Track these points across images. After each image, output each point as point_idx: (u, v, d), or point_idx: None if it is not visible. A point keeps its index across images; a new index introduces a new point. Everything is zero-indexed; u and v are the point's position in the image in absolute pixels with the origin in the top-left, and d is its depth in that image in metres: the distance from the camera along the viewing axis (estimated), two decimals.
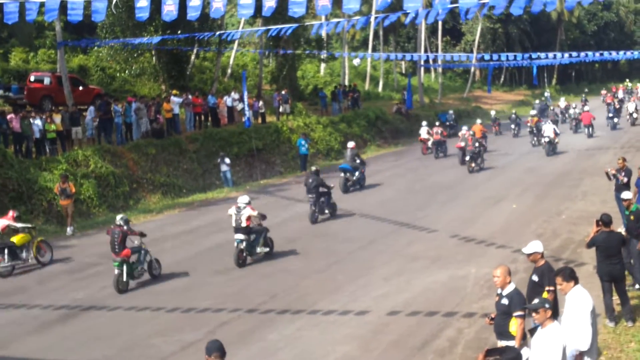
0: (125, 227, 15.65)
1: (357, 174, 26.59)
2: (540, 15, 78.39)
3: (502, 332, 8.78)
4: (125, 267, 15.45)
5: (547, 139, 33.11)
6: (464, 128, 34.08)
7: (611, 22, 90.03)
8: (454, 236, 18.40)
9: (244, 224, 16.94)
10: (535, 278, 9.60)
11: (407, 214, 21.66)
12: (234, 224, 17.08)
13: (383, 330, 12.13)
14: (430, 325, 12.16)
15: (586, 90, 75.61)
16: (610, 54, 42.13)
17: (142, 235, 16.19)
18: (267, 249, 17.71)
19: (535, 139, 36.78)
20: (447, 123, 42.66)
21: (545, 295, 8.98)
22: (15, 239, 17.58)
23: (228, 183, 29.03)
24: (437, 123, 38.75)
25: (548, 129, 33.71)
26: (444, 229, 19.33)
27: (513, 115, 44.07)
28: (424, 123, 38.32)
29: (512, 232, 18.39)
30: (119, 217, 16.15)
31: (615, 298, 11.80)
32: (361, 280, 15.11)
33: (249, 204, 17.25)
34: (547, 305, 7.61)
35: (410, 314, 12.74)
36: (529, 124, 38.04)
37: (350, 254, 17.41)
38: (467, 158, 29.61)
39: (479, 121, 38.00)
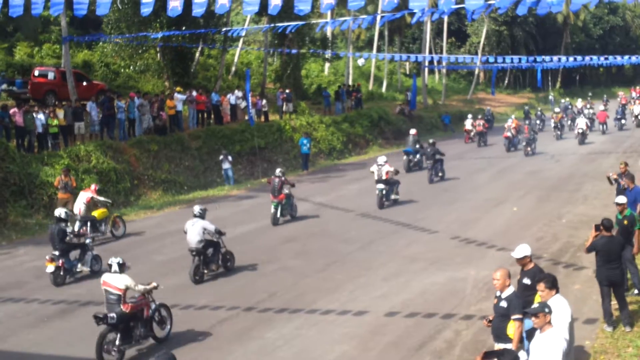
0: (283, 178, 21.27)
1: (417, 156, 31.85)
2: (546, 18, 78.38)
3: (500, 335, 8.78)
4: (279, 207, 21.02)
5: (580, 131, 38.50)
6: (510, 120, 39.64)
7: (617, 27, 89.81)
8: (454, 238, 18.40)
9: (384, 177, 22.82)
10: (527, 281, 9.58)
11: (407, 214, 21.67)
12: (376, 177, 22.97)
13: (381, 330, 12.13)
14: (428, 327, 12.15)
15: (590, 94, 75.43)
16: (615, 58, 42.15)
17: (292, 185, 21.71)
18: (398, 197, 23.68)
19: (559, 132, 42.22)
20: (486, 118, 47.04)
21: (537, 297, 8.99)
22: (96, 214, 19.73)
23: (229, 181, 29.04)
24: (479, 116, 44.13)
25: (581, 122, 39.14)
26: (443, 230, 19.33)
27: (538, 112, 49.73)
28: (469, 115, 44.42)
29: (513, 235, 18.34)
30: (277, 170, 21.97)
31: (614, 303, 11.79)
32: (360, 281, 15.11)
33: (386, 162, 23.25)
34: (546, 310, 7.61)
35: (408, 315, 12.74)
36: (553, 120, 43.03)
37: (349, 254, 17.41)
38: (524, 143, 35.37)
39: (513, 116, 42.96)
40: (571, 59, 43.42)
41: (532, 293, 9.21)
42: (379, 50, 62.55)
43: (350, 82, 50.97)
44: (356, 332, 12.07)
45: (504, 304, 8.73)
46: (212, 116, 33.84)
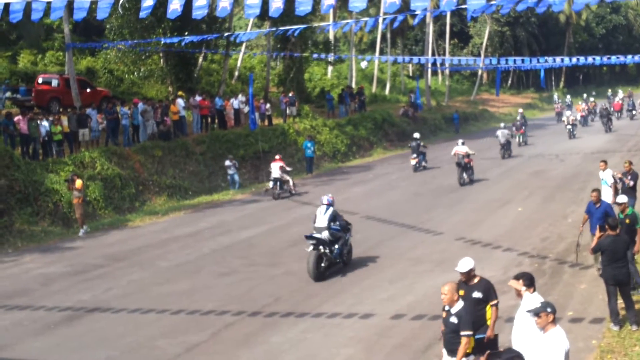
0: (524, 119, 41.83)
1: (523, 127, 42.51)
2: (549, 18, 78.34)
3: (453, 350, 8.57)
4: (520, 137, 39.14)
5: None
6: (583, 104, 55.80)
7: (619, 26, 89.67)
8: (459, 239, 18.37)
9: (570, 122, 42.59)
10: (478, 294, 9.27)
11: (413, 216, 21.67)
12: (565, 121, 42.61)
13: (387, 333, 12.12)
14: (434, 329, 12.08)
15: (593, 93, 75.46)
16: (617, 57, 42.18)
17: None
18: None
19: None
20: (567, 104, 60.04)
21: (489, 310, 8.96)
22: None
23: (235, 186, 29.06)
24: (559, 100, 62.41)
25: None
26: (449, 232, 19.31)
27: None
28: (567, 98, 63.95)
29: (518, 236, 18.37)
30: (502, 124, 38.01)
31: (620, 302, 11.77)
32: (366, 283, 15.11)
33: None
34: (549, 310, 7.56)
35: (414, 318, 12.72)
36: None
37: (355, 257, 17.37)
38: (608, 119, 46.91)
39: (582, 103, 58.45)
40: (574, 59, 43.52)
41: (483, 307, 9.09)
42: (382, 52, 62.54)
43: (354, 85, 51.00)
44: (362, 335, 12.05)
45: (454, 319, 8.52)
46: (216, 121, 33.88)
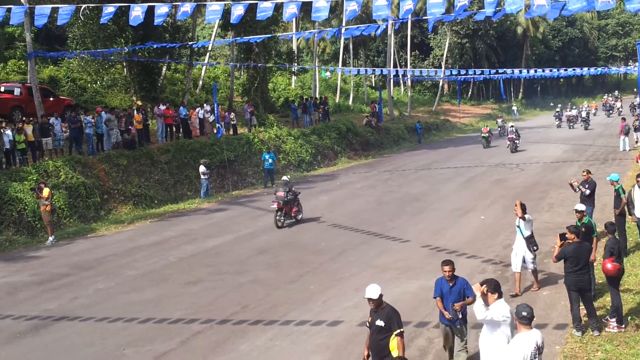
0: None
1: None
2: (507, 31, 79.72)
3: None
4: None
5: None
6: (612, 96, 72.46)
7: (575, 38, 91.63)
8: (424, 247, 18.64)
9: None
10: (380, 323, 8.90)
11: (378, 224, 21.90)
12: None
13: (354, 340, 12.23)
14: None
15: (551, 104, 76.90)
16: (574, 70, 43.23)
17: None
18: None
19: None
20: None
21: (393, 340, 8.71)
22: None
23: (207, 192, 29.13)
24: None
25: None
26: (414, 239, 19.57)
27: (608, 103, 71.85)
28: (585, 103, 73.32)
29: (481, 243, 18.68)
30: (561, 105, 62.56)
31: (582, 308, 12.07)
32: (332, 291, 15.24)
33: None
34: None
35: None
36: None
37: (321, 265, 17.54)
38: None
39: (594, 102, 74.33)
40: (532, 71, 44.50)
41: (386, 335, 8.83)
42: (345, 63, 63.02)
43: (317, 95, 51.31)
44: (330, 342, 12.18)
45: None
46: (181, 130, 33.85)
